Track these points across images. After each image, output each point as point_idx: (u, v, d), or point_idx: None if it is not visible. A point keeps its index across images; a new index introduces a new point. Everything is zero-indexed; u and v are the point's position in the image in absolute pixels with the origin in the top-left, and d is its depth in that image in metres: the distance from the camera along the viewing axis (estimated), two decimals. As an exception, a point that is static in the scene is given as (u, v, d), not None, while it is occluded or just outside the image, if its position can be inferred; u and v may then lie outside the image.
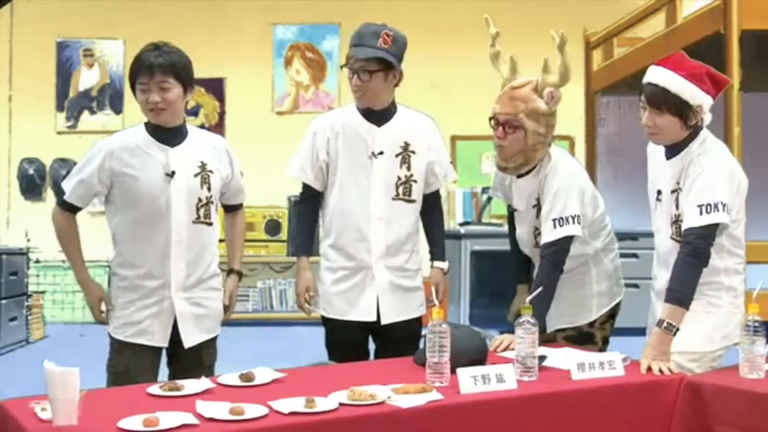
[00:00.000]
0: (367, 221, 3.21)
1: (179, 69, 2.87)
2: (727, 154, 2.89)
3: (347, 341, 3.25)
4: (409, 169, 3.25)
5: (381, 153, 3.21)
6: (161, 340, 2.93)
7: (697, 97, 2.80)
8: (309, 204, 3.35)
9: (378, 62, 3.14)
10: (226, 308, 3.09)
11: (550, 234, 3.02)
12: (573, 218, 3.01)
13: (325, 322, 3.32)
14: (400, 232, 3.25)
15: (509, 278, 3.40)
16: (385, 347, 3.28)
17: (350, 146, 3.23)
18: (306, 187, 3.32)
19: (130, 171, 2.87)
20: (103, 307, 2.96)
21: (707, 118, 2.87)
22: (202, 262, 2.96)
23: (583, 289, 3.20)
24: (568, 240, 3.04)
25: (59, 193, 3.01)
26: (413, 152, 3.26)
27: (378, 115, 3.24)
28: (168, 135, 2.92)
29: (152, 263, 2.90)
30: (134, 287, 2.91)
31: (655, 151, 2.99)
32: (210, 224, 2.98)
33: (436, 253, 3.40)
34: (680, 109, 2.79)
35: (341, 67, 3.22)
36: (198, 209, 2.93)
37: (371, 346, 3.35)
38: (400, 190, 3.25)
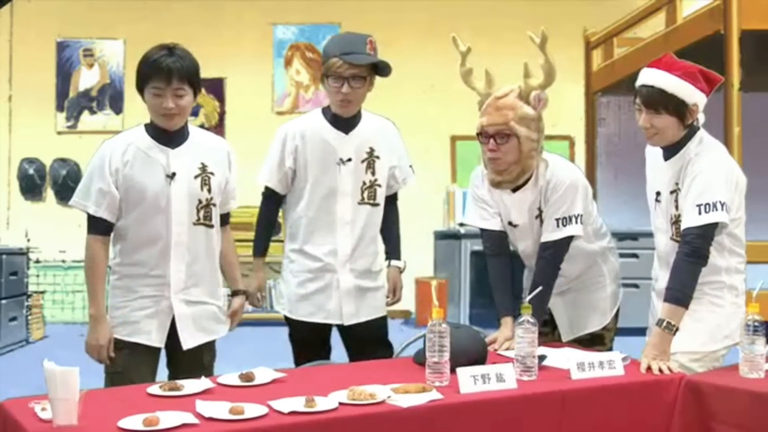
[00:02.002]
0: (334, 226, 3.28)
1: (193, 75, 2.86)
2: (725, 154, 2.89)
3: (309, 341, 3.32)
4: (374, 174, 3.31)
5: (349, 160, 3.27)
6: (157, 341, 2.91)
7: (693, 95, 2.80)
8: (270, 207, 3.41)
9: (369, 69, 3.21)
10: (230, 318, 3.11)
11: (552, 233, 3.01)
12: (576, 218, 3.00)
13: (289, 322, 3.38)
14: (364, 235, 3.31)
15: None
16: (353, 346, 3.36)
17: (319, 154, 3.28)
18: (267, 189, 3.37)
19: (131, 172, 2.86)
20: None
21: (701, 118, 2.88)
22: (202, 264, 2.95)
23: (597, 292, 3.20)
24: (569, 240, 3.03)
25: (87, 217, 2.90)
26: (377, 157, 3.32)
27: (346, 123, 3.29)
28: (169, 137, 2.90)
29: (152, 264, 2.88)
30: (132, 286, 2.90)
31: (653, 153, 2.99)
32: (211, 226, 2.96)
33: (393, 252, 3.45)
34: (677, 108, 2.79)
35: (323, 77, 3.26)
36: (198, 211, 2.92)
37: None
38: (366, 194, 3.31)
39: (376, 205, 3.34)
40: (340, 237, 3.28)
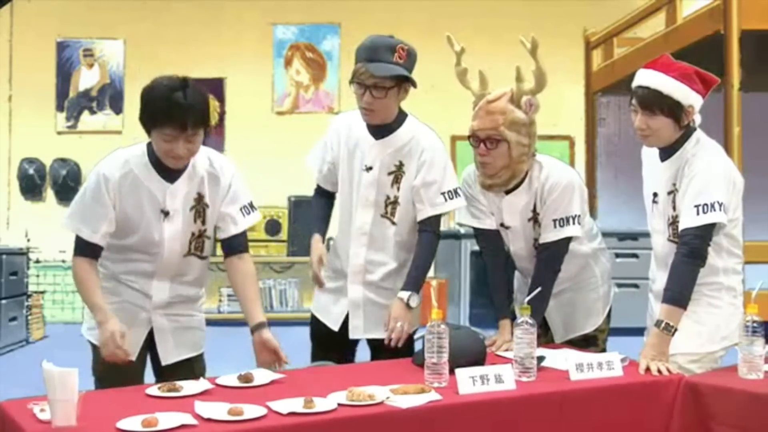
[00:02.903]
0: (349, 234, 3.14)
1: (207, 116, 2.70)
2: (722, 154, 2.89)
3: (321, 340, 3.23)
4: (398, 189, 3.10)
5: (371, 168, 3.10)
6: (131, 353, 2.76)
7: (688, 97, 2.80)
8: (319, 201, 3.28)
9: (393, 78, 2.97)
10: (274, 361, 2.80)
11: (550, 234, 3.01)
12: (574, 218, 3.00)
13: (311, 317, 3.29)
14: (381, 249, 3.12)
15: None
16: (377, 358, 3.20)
17: (348, 156, 3.15)
18: (318, 186, 3.29)
19: (127, 203, 2.75)
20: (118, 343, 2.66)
21: (698, 119, 2.88)
22: (186, 283, 2.88)
23: (590, 293, 3.20)
24: (568, 241, 3.03)
25: (77, 241, 2.77)
26: (405, 173, 3.09)
27: (379, 129, 3.09)
28: (170, 169, 2.76)
29: (137, 280, 2.82)
30: (117, 290, 2.83)
31: (650, 154, 2.99)
32: (203, 258, 2.88)
33: (405, 283, 3.05)
34: (673, 109, 2.79)
35: (350, 83, 3.05)
36: (190, 243, 2.84)
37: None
38: (389, 209, 3.12)
39: (394, 223, 3.11)
40: (354, 247, 3.13)
